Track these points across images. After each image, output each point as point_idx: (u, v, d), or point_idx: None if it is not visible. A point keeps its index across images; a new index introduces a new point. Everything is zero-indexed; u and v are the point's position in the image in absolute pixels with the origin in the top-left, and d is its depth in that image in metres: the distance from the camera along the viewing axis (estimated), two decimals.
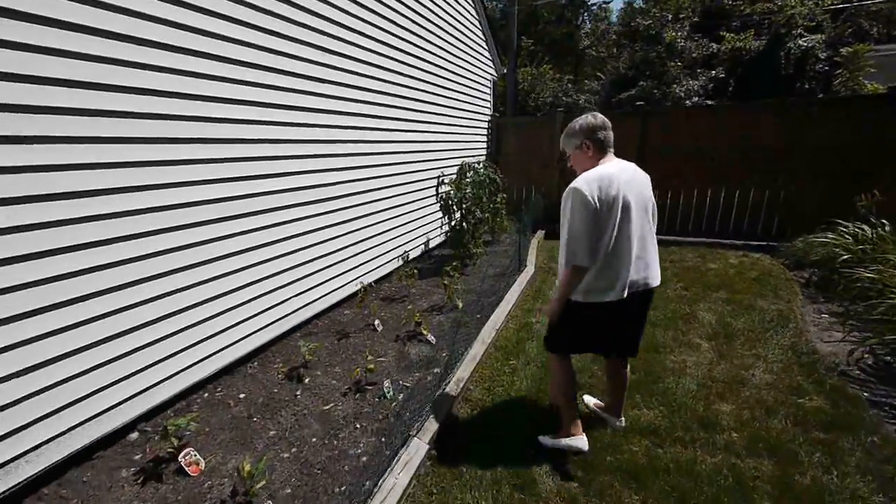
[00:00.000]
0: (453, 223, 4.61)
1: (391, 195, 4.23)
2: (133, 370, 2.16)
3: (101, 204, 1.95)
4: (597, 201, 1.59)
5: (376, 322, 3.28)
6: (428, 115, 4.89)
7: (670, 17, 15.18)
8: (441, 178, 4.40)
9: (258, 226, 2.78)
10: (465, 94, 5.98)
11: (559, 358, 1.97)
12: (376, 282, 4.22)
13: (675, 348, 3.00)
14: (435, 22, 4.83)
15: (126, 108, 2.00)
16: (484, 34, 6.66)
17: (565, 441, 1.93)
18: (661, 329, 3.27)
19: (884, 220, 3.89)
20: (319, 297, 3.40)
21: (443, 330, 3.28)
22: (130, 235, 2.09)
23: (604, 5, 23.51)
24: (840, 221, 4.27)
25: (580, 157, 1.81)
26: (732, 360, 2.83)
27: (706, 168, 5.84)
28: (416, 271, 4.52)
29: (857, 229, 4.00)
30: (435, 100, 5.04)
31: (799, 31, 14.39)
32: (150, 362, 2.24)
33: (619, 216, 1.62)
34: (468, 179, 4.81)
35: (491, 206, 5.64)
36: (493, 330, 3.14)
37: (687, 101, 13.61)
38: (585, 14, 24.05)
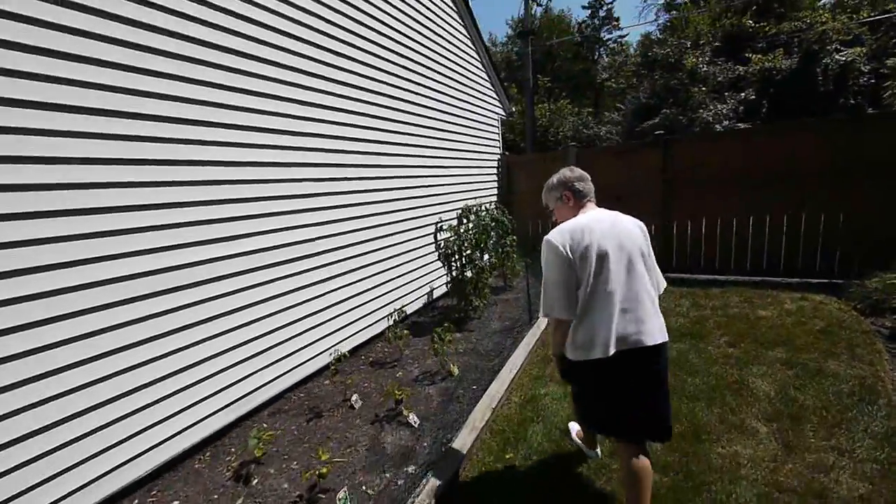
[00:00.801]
0: (454, 273, 4.20)
1: (379, 247, 3.89)
2: (50, 474, 1.84)
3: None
4: (569, 251, 1.57)
5: (354, 397, 2.84)
6: (425, 158, 4.66)
7: (689, 44, 14.87)
8: (440, 224, 4.06)
9: (214, 294, 2.51)
10: (467, 134, 5.78)
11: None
12: (365, 343, 3.81)
13: (723, 434, 2.33)
14: (427, 63, 4.71)
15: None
16: (488, 75, 6.57)
17: (580, 442, 2.24)
18: (702, 404, 2.61)
19: None
20: (289, 370, 3.00)
21: (431, 406, 2.78)
22: (61, 316, 1.86)
23: (620, 39, 23.68)
24: None
25: (562, 208, 1.82)
26: (805, 454, 2.13)
27: (743, 196, 5.17)
28: (410, 329, 4.10)
29: None
30: (431, 142, 4.83)
31: (835, 46, 13.60)
32: (76, 461, 1.91)
33: (593, 267, 1.55)
34: (469, 224, 4.44)
35: (500, 249, 5.21)
36: (488, 408, 2.61)
37: (717, 126, 12.93)
38: (602, 49, 24.29)
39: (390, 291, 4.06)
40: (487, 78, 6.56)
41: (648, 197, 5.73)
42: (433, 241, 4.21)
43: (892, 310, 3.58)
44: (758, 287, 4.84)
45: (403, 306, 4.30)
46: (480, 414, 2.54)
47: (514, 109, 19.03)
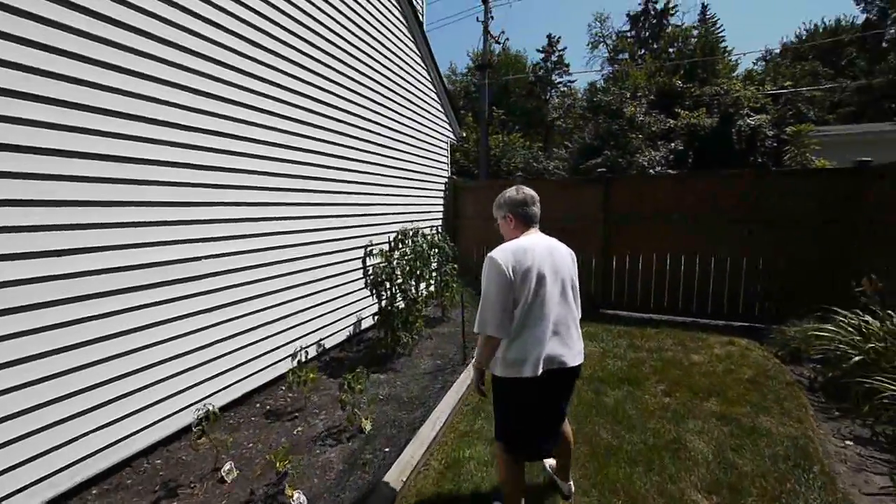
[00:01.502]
0: (384, 303, 3.71)
1: (286, 272, 3.25)
2: None
3: None
4: (510, 271, 1.59)
5: (227, 467, 2.19)
6: (354, 173, 4.21)
7: (629, 94, 16.23)
8: (370, 249, 3.58)
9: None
10: (410, 153, 5.44)
11: (503, 453, 1.79)
12: (265, 387, 3.15)
13: None
14: (360, 67, 4.35)
15: None
16: (439, 97, 6.37)
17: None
18: (640, 469, 2.33)
19: (890, 312, 3.26)
20: (134, 433, 2.28)
21: (328, 478, 2.22)
22: None
23: (569, 83, 25.47)
24: (836, 309, 3.63)
25: (505, 227, 1.88)
26: None
27: (676, 236, 5.32)
28: (327, 368, 3.52)
29: (860, 321, 3.34)
30: (363, 156, 4.40)
31: (746, 111, 15.53)
32: None
33: (532, 288, 1.60)
34: (405, 249, 4.02)
35: (440, 278, 4.83)
36: (398, 480, 2.12)
37: (651, 170, 13.97)
38: (552, 91, 25.95)
39: (303, 323, 3.45)
40: (437, 99, 6.36)
41: (591, 231, 5.73)
42: (361, 266, 3.71)
43: (810, 359, 3.68)
44: (689, 328, 4.89)
45: (322, 339, 3.70)
46: (387, 493, 2.03)
47: (469, 137, 19.36)
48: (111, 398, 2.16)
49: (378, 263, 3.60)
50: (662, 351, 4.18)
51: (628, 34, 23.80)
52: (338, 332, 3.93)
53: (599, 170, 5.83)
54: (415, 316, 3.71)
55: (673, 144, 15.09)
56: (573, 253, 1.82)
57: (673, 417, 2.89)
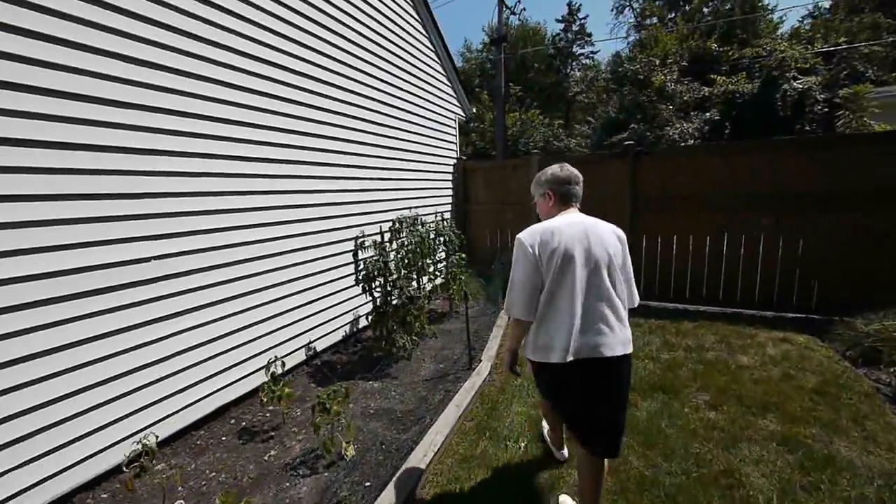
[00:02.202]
0: (378, 302, 3.29)
1: (263, 269, 2.89)
2: None
3: None
4: (537, 252, 1.55)
5: None
6: (345, 155, 3.76)
7: (657, 62, 14.91)
8: (361, 240, 3.15)
9: None
10: (412, 132, 4.93)
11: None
12: (242, 399, 2.82)
13: None
14: (356, 38, 3.84)
15: None
16: (445, 70, 5.78)
17: (549, 441, 2.19)
18: None
19: None
20: (68, 467, 1.95)
21: None
22: None
23: (591, 54, 23.89)
24: None
25: (543, 205, 1.81)
26: None
27: (718, 217, 4.63)
28: (314, 375, 3.16)
29: None
30: (356, 135, 3.94)
31: (793, 74, 13.97)
32: None
33: (556, 270, 1.52)
34: (402, 238, 3.57)
35: (446, 269, 4.38)
36: None
37: (682, 143, 12.88)
38: (574, 64, 24.42)
39: (286, 326, 3.09)
40: (443, 72, 5.78)
41: (614, 213, 5.09)
42: (353, 259, 3.30)
43: (893, 362, 3.03)
44: (733, 321, 4.26)
45: (312, 342, 3.35)
46: None
47: (485, 116, 18.48)
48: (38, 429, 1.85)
49: (370, 257, 3.17)
50: (703, 350, 3.60)
51: None
52: (330, 332, 3.57)
53: (626, 142, 5.14)
54: (413, 315, 3.29)
55: (708, 115, 13.80)
56: (621, 233, 1.68)
57: (721, 440, 2.36)
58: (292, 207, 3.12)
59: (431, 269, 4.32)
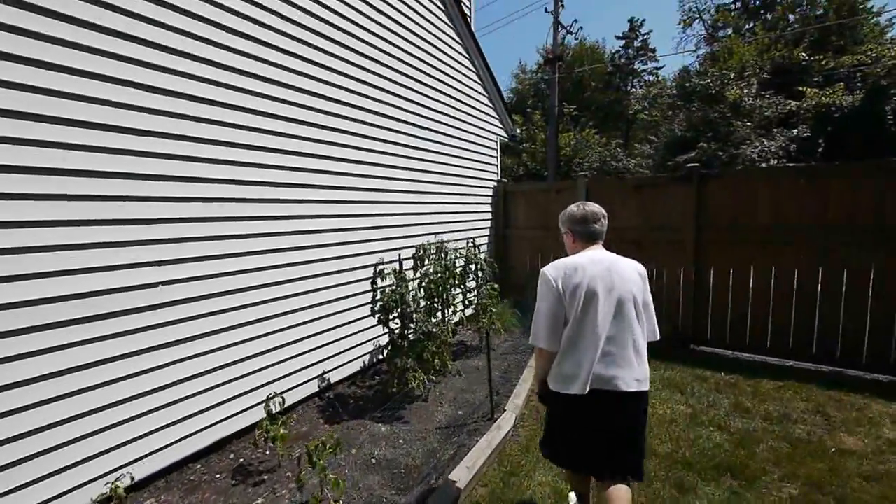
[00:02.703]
0: (395, 335, 3.07)
1: (254, 301, 2.67)
2: None
3: None
4: (560, 286, 1.62)
5: None
6: (373, 178, 3.66)
7: (732, 74, 13.56)
8: (380, 267, 2.97)
9: None
10: (448, 154, 4.77)
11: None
12: (244, 432, 2.69)
13: None
14: (386, 59, 3.78)
15: None
16: (486, 90, 5.62)
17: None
18: None
19: None
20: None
21: None
22: None
23: (655, 70, 22.60)
24: None
25: (566, 242, 1.86)
26: None
27: (808, 255, 3.83)
28: (324, 409, 2.99)
29: None
30: (384, 158, 3.83)
31: None
32: None
33: (580, 306, 1.59)
34: (428, 267, 3.35)
35: (477, 300, 4.07)
36: None
37: (762, 164, 11.42)
38: (635, 80, 23.27)
39: (296, 356, 2.95)
40: (485, 93, 5.61)
41: (675, 246, 4.46)
42: (371, 287, 3.12)
43: None
44: (831, 384, 3.41)
45: (326, 372, 3.20)
46: None
47: (537, 136, 18.07)
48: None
49: (388, 285, 2.97)
50: (790, 422, 2.87)
51: (732, 5, 20.27)
52: (347, 363, 3.39)
53: (691, 164, 4.52)
54: (432, 351, 3.00)
55: (795, 131, 12.16)
56: (642, 269, 1.72)
57: None
58: (315, 233, 3.05)
59: (460, 299, 4.03)
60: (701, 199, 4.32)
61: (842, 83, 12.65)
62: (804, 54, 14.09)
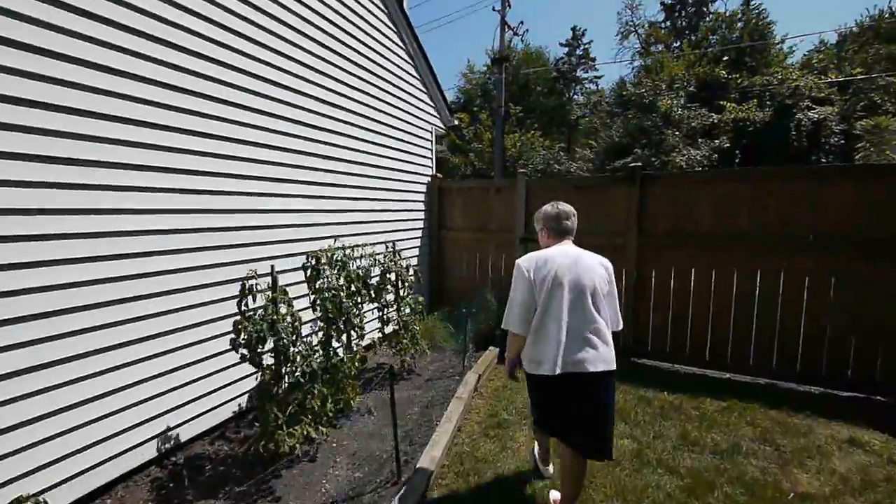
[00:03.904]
0: (266, 376, 2.24)
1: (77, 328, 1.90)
2: None
3: None
4: (532, 275, 1.78)
5: None
6: (237, 161, 2.81)
7: (664, 86, 14.27)
8: (251, 283, 2.13)
9: None
10: (363, 138, 4.01)
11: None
12: None
13: None
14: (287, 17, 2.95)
15: None
16: (419, 71, 4.94)
17: (538, 460, 2.31)
18: None
19: None
20: None
21: None
22: None
23: (595, 80, 23.53)
24: None
25: (541, 238, 2.05)
26: None
27: (750, 260, 3.64)
28: (153, 487, 2.12)
29: None
30: (255, 134, 2.99)
31: (807, 104, 13.28)
32: None
33: (547, 292, 1.74)
34: (324, 280, 2.57)
35: (397, 316, 3.38)
36: None
37: (696, 169, 12.05)
38: (577, 88, 24.05)
39: (118, 412, 2.06)
40: (418, 76, 4.93)
41: (618, 250, 4.12)
42: (238, 311, 2.29)
43: None
44: (772, 402, 3.19)
45: (171, 429, 2.30)
46: None
47: (484, 136, 17.82)
48: None
49: (255, 312, 2.12)
50: (740, 455, 2.53)
51: (662, 24, 21.66)
52: (210, 410, 2.51)
53: (633, 164, 4.21)
54: (324, 394, 2.24)
55: (717, 142, 13.02)
56: (608, 263, 1.89)
57: None
58: (152, 233, 2.15)
59: (375, 315, 3.31)
60: (643, 201, 4.01)
61: (755, 100, 13.77)
62: (724, 72, 15.21)
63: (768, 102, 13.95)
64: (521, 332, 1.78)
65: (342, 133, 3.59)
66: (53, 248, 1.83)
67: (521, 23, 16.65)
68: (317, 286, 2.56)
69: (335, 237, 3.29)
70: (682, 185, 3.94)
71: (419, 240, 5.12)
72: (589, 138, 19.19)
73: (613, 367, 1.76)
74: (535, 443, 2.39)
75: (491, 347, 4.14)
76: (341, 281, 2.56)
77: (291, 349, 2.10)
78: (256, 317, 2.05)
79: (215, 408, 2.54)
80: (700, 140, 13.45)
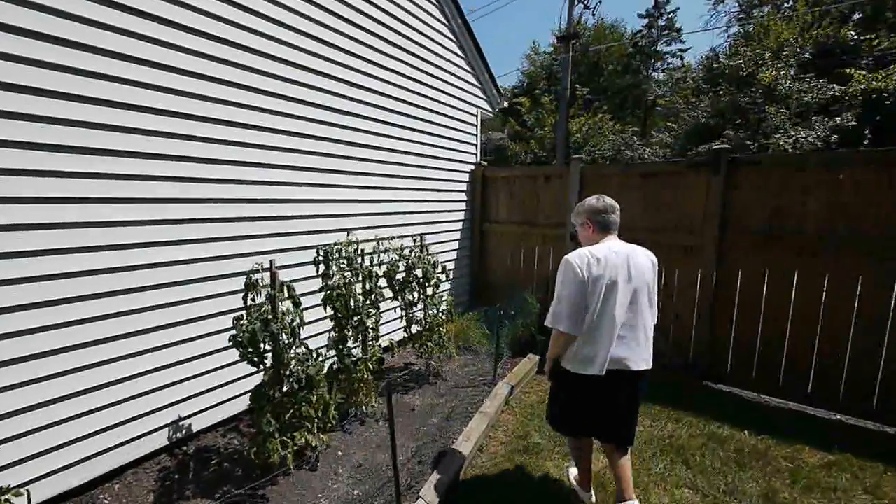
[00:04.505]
0: (267, 376, 2.11)
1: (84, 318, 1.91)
2: None
3: None
4: (584, 274, 1.71)
5: None
6: (252, 148, 2.69)
7: (768, 54, 12.00)
8: (257, 278, 2.00)
9: None
10: (396, 122, 3.74)
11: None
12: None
13: None
14: None
15: None
16: (463, 49, 4.55)
17: (576, 485, 2.14)
18: None
19: None
20: None
21: None
22: None
23: (680, 53, 20.75)
24: None
25: (583, 233, 1.93)
26: None
27: (868, 270, 2.76)
28: (160, 476, 2.11)
29: None
30: (285, 123, 2.84)
31: None
32: None
33: (601, 293, 1.70)
34: (339, 276, 2.39)
35: (423, 316, 3.13)
36: None
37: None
38: (657, 63, 21.45)
39: (135, 398, 2.08)
40: (461, 53, 4.54)
41: (690, 252, 3.42)
42: (244, 305, 2.18)
43: None
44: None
45: (182, 419, 2.30)
46: None
47: (546, 121, 16.77)
48: None
49: (259, 306, 1.99)
50: None
51: None
52: (219, 403, 2.48)
53: (717, 146, 3.43)
54: (325, 400, 2.06)
55: (839, 119, 10.66)
56: (654, 258, 1.85)
57: None
58: (137, 224, 2.11)
59: (395, 315, 3.09)
60: (727, 192, 3.25)
61: (894, 65, 11.00)
62: (853, 32, 12.39)
63: None
64: (571, 331, 1.72)
65: (367, 116, 3.35)
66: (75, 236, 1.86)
67: None
68: (330, 283, 2.38)
69: (353, 230, 3.10)
70: (779, 171, 3.09)
71: (459, 232, 4.80)
72: (668, 121, 17.07)
73: (651, 364, 1.80)
74: (572, 465, 2.21)
75: (530, 355, 3.72)
76: (350, 277, 2.34)
77: (285, 354, 1.93)
78: (253, 314, 1.91)
79: (229, 399, 2.52)
80: (814, 118, 11.15)
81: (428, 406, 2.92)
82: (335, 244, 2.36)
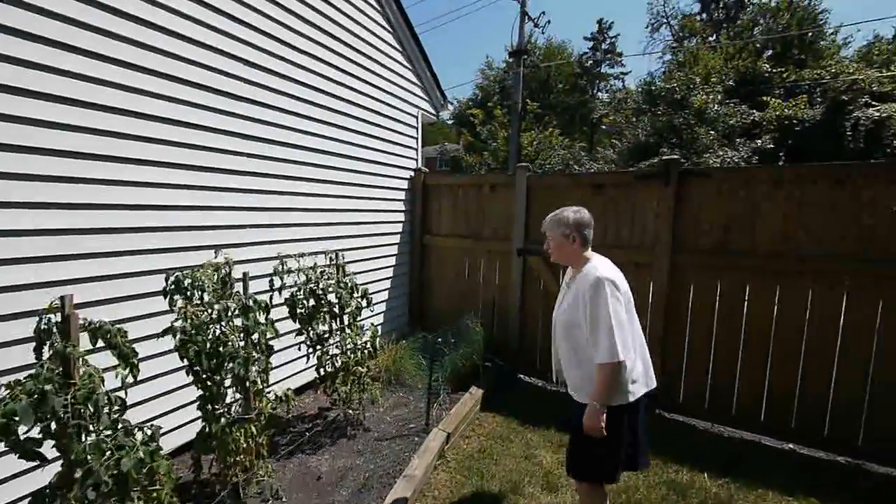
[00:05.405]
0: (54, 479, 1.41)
1: None
2: None
3: None
4: (621, 291, 1.62)
5: None
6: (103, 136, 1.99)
7: (698, 80, 12.92)
8: (51, 324, 1.32)
9: None
10: (310, 115, 3.16)
11: (591, 489, 1.76)
12: None
13: None
14: None
15: None
16: (401, 43, 4.07)
17: None
18: None
19: None
20: None
21: None
22: None
23: (621, 76, 22.08)
24: None
25: (563, 246, 1.76)
26: None
27: (833, 296, 2.61)
28: None
29: None
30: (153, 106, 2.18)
31: (865, 100, 11.72)
32: None
33: (627, 309, 1.63)
34: (193, 313, 1.72)
35: (342, 354, 2.52)
36: None
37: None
38: (601, 84, 22.66)
39: None
40: (399, 47, 4.06)
41: (645, 270, 3.14)
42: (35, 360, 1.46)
43: None
44: (867, 496, 2.16)
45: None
46: None
47: (499, 134, 16.82)
48: None
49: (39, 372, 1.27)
50: None
51: (697, 15, 20.07)
52: None
53: (668, 157, 3.21)
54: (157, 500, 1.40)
55: (759, 142, 11.61)
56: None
57: None
58: None
59: (303, 352, 2.46)
60: (679, 205, 3.01)
61: (804, 95, 12.27)
62: (767, 65, 13.72)
63: (818, 99, 12.43)
64: (628, 355, 1.56)
65: (264, 103, 2.70)
66: None
67: (543, 13, 15.55)
68: (175, 324, 1.70)
69: (239, 246, 2.43)
70: (738, 184, 2.91)
71: (397, 247, 4.25)
72: (611, 138, 17.90)
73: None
74: None
75: (473, 388, 3.22)
76: (219, 312, 1.70)
77: (75, 443, 1.24)
78: (26, 385, 1.21)
79: None
80: (738, 140, 12.09)
81: (339, 471, 2.30)
82: (183, 273, 1.69)
